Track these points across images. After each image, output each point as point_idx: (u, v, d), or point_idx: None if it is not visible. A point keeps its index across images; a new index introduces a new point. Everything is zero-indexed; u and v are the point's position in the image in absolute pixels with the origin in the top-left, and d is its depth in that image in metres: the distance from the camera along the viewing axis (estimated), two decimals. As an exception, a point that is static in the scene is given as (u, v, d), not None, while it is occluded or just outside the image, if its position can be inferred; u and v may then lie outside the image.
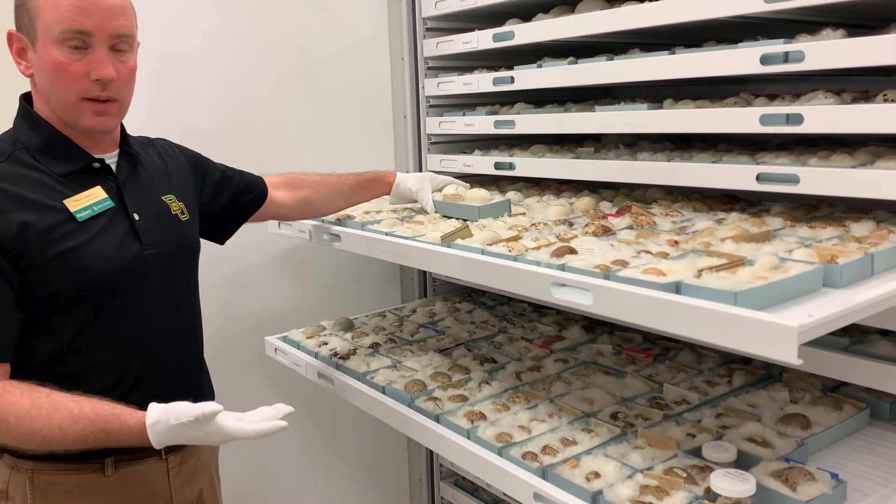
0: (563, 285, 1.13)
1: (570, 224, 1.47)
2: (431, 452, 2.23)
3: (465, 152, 2.03)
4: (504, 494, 1.93)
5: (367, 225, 1.62)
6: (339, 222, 1.70)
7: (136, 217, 1.27)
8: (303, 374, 1.81)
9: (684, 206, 1.56)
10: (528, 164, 1.79)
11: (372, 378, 1.61)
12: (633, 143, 1.79)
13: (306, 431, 2.13)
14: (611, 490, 1.13)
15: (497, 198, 1.63)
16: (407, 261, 1.47)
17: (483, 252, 1.31)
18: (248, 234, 1.80)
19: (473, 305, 2.05)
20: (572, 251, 1.22)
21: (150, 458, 1.30)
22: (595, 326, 1.81)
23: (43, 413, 1.11)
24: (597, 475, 1.18)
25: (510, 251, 1.27)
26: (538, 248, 1.27)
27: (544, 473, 1.20)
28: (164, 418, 1.12)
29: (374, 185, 1.70)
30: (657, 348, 1.67)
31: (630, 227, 1.39)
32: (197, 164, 1.51)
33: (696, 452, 1.20)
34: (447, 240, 1.39)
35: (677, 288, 1.00)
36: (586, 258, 1.18)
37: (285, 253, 2.04)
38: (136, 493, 1.29)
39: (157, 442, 1.12)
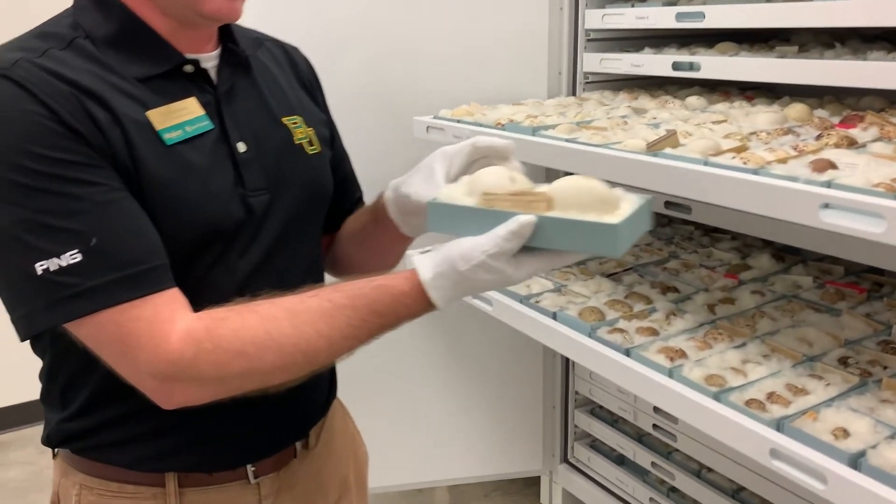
0: (836, 207, 0.92)
1: (797, 134, 1.24)
2: (567, 378, 2.08)
3: (626, 51, 1.79)
4: (654, 427, 1.78)
5: (539, 130, 1.42)
6: (502, 126, 1.50)
7: (241, 147, 0.90)
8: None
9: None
10: (716, 65, 1.54)
11: (537, 302, 1.44)
12: (830, 45, 1.53)
13: (438, 349, 2.00)
14: (875, 453, 0.94)
15: (625, 200, 0.81)
16: (600, 174, 1.27)
17: (706, 164, 1.10)
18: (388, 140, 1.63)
19: (630, 226, 1.84)
20: (833, 166, 1.00)
21: (230, 483, 0.95)
22: (784, 255, 1.59)
23: (285, 325, 0.80)
24: (845, 433, 0.99)
25: (745, 163, 1.06)
26: (782, 160, 1.06)
27: (779, 426, 1.02)
28: (446, 267, 0.79)
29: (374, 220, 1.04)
30: (866, 282, 1.45)
31: (879, 140, 1.16)
32: (318, 90, 1.10)
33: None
34: (654, 148, 1.18)
35: None
36: (856, 175, 0.96)
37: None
38: None
39: (442, 301, 0.80)
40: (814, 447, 0.97)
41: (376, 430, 1.36)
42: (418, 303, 0.81)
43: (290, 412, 0.99)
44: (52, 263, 0.76)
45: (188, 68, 0.89)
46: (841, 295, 1.39)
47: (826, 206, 0.93)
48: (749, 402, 1.07)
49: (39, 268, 0.76)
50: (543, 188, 0.82)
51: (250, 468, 0.96)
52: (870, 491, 0.89)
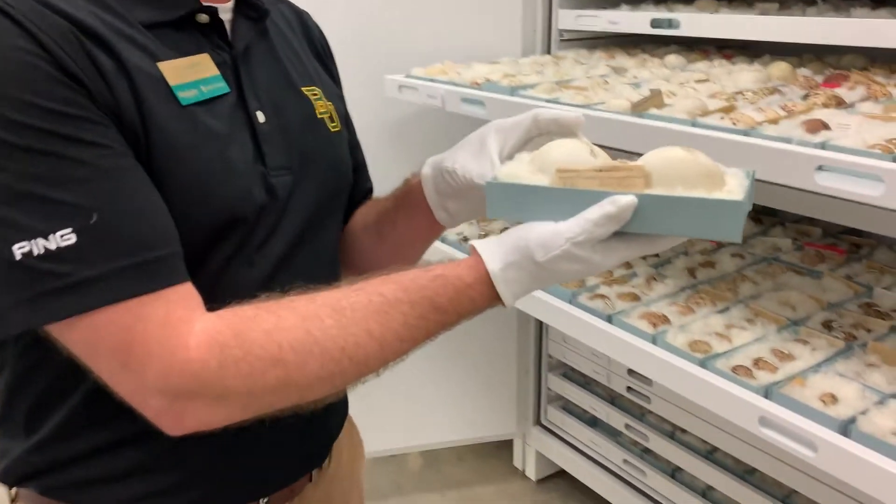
0: (832, 170, 0.89)
1: (782, 94, 1.21)
2: (541, 342, 2.06)
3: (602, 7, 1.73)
4: (628, 389, 1.77)
5: (518, 90, 1.37)
6: (478, 86, 1.45)
7: (261, 117, 0.75)
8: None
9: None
10: (696, 22, 1.50)
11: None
12: (811, 2, 1.49)
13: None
14: (865, 419, 0.93)
15: (728, 174, 0.68)
16: (586, 135, 1.22)
17: (695, 124, 1.07)
18: (356, 98, 1.56)
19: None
20: (826, 126, 0.97)
21: None
22: (762, 217, 1.57)
23: (330, 324, 0.64)
24: (834, 399, 0.98)
25: (735, 124, 1.03)
26: (773, 121, 1.03)
27: (768, 393, 1.01)
28: (518, 257, 0.66)
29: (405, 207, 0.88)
30: (844, 244, 1.44)
31: (867, 99, 1.13)
32: (331, 60, 0.96)
33: (956, 376, 1.00)
34: (639, 108, 1.14)
35: None
36: (850, 136, 0.93)
37: (401, 122, 1.80)
38: None
39: (512, 296, 0.68)
40: (803, 414, 0.96)
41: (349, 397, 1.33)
42: (484, 297, 0.68)
43: (312, 434, 0.83)
44: (37, 245, 0.58)
45: (202, 17, 0.73)
46: (821, 257, 1.38)
47: (821, 168, 0.90)
48: (736, 369, 1.05)
49: (19, 251, 0.58)
50: (635, 162, 0.68)
51: (263, 502, 0.80)
52: (861, 458, 0.88)
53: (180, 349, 0.61)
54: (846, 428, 0.93)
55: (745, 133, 1.00)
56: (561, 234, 0.64)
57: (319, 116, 0.83)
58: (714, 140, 1.01)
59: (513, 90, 1.37)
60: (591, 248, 0.64)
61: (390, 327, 0.66)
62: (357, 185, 0.94)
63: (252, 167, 0.73)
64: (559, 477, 2.09)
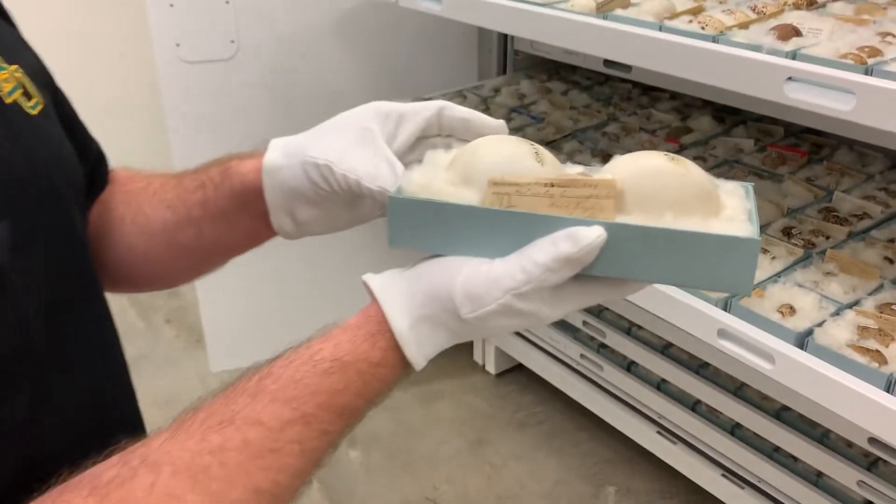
0: (802, 81, 0.85)
1: (751, -9, 1.15)
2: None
3: None
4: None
5: (476, -15, 1.28)
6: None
7: None
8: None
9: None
10: None
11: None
12: None
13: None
14: (822, 332, 0.94)
15: (727, 192, 0.52)
16: (545, 36, 1.16)
17: (661, 28, 1.01)
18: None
19: (566, 85, 1.75)
20: (797, 32, 0.93)
21: None
22: (724, 116, 1.54)
23: (193, 501, 0.42)
24: (791, 310, 0.99)
25: (703, 28, 0.98)
26: (742, 25, 0.98)
27: (726, 305, 1.01)
28: (434, 310, 0.49)
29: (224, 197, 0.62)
30: (805, 144, 1.43)
31: (839, -1, 1.09)
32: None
33: (908, 283, 1.01)
34: (604, 9, 1.08)
35: None
36: (822, 44, 0.90)
37: (340, 18, 1.69)
38: None
39: (424, 359, 0.51)
40: (762, 327, 0.97)
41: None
42: (397, 368, 0.50)
43: None
44: None
45: None
46: (782, 159, 1.36)
47: (791, 79, 0.87)
48: (696, 281, 1.05)
49: None
50: (601, 174, 0.49)
51: None
52: (815, 371, 0.90)
53: None
54: (803, 341, 0.94)
55: (714, 39, 0.95)
56: (498, 282, 0.47)
57: (8, 100, 0.51)
58: (681, 47, 0.96)
59: (471, -14, 1.29)
60: (540, 298, 0.48)
61: (283, 470, 0.46)
62: (95, 182, 0.65)
63: None
64: (518, 370, 2.14)
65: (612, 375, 1.81)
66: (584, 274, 0.48)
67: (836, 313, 0.97)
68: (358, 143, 0.54)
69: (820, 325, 0.95)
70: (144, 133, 2.13)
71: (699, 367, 1.59)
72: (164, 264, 0.64)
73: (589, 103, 1.65)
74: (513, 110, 1.62)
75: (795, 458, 1.35)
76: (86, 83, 2.28)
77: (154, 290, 0.58)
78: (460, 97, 1.71)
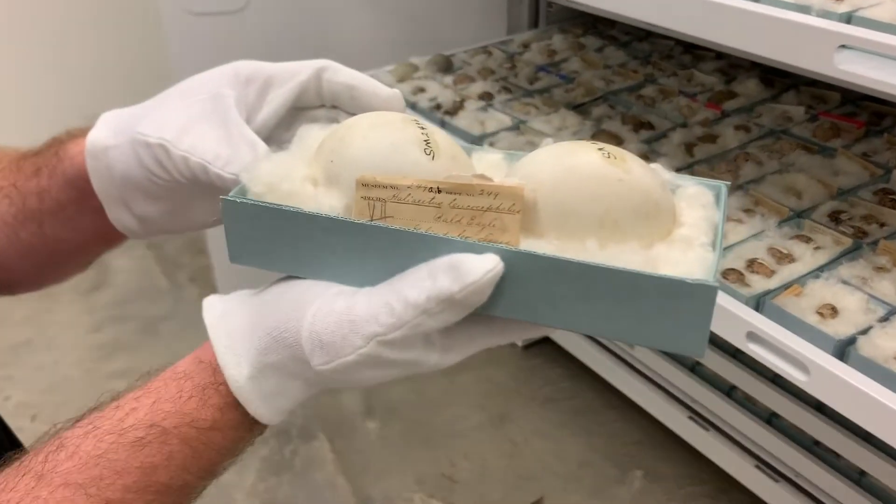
0: (857, 49, 0.72)
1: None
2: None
3: None
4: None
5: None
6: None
7: None
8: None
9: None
10: None
11: (492, 145, 1.26)
12: None
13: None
14: (867, 340, 0.82)
15: (687, 200, 0.40)
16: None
17: (696, -15, 0.88)
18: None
19: (602, 41, 1.61)
20: (855, -10, 0.78)
21: None
22: (774, 78, 1.39)
23: None
24: (833, 311, 0.87)
25: (744, -14, 0.84)
26: (791, -19, 0.84)
27: (759, 304, 0.90)
28: (282, 357, 0.38)
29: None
30: (864, 113, 1.27)
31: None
32: None
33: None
34: (632, -38, 0.94)
35: None
36: (885, 3, 0.76)
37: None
38: None
39: (274, 414, 0.41)
40: (796, 330, 0.85)
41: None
42: (241, 427, 0.40)
43: None
44: None
45: None
46: (836, 130, 1.21)
47: (843, 47, 0.73)
48: (727, 274, 0.93)
49: None
50: (510, 175, 0.38)
51: None
52: (856, 387, 0.78)
53: None
54: (844, 351, 0.82)
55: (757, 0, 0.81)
56: (357, 325, 0.36)
57: None
58: (720, 6, 0.83)
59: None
60: (423, 343, 0.37)
61: (139, 491, 0.36)
62: None
63: None
64: (546, 343, 2.05)
65: (644, 354, 1.72)
66: (482, 314, 0.36)
67: (885, 318, 0.85)
68: (206, 116, 0.42)
69: (865, 332, 0.83)
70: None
71: (736, 351, 1.48)
72: (7, 265, 0.52)
73: (625, 62, 1.50)
74: (540, 68, 1.49)
75: (837, 455, 1.24)
76: (87, 38, 2.21)
77: (3, 295, 0.48)
78: (485, 53, 1.58)
